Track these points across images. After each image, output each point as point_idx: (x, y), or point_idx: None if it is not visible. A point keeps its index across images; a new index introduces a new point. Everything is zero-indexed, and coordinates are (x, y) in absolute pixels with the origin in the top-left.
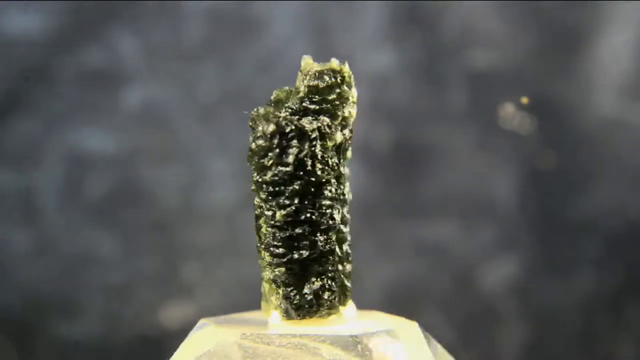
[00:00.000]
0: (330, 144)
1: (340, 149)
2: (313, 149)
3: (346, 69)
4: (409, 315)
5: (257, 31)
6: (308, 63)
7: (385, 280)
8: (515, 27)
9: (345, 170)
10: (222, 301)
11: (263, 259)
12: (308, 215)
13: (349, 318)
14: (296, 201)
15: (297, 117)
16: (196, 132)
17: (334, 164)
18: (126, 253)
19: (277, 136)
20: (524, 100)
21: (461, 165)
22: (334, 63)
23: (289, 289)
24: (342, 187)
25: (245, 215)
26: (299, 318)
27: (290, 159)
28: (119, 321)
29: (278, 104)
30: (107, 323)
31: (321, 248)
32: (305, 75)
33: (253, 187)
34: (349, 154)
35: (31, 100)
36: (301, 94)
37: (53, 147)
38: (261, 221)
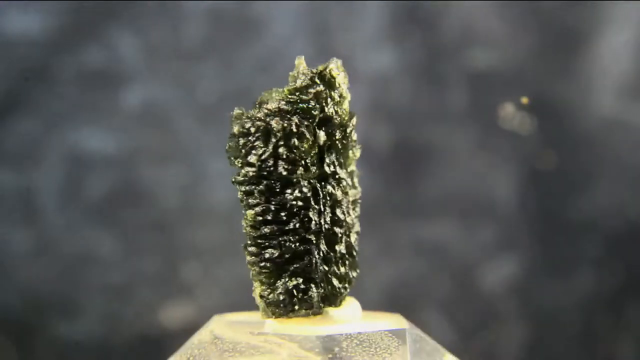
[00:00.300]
0: (305, 144)
1: (324, 149)
2: (277, 149)
3: (332, 68)
4: (409, 315)
5: (257, 31)
6: (298, 64)
7: (386, 280)
8: (515, 27)
9: (337, 170)
10: (222, 301)
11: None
12: (275, 215)
13: (340, 317)
14: (262, 201)
15: (270, 117)
16: (196, 132)
17: (309, 164)
18: (126, 253)
19: (242, 137)
20: (524, 100)
21: (461, 165)
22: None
23: (263, 288)
24: (330, 187)
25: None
26: (274, 317)
27: (253, 159)
28: (119, 321)
29: (261, 105)
30: (107, 323)
31: (294, 248)
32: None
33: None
34: (351, 153)
35: (31, 100)
36: (282, 95)
37: (53, 147)
38: (243, 221)
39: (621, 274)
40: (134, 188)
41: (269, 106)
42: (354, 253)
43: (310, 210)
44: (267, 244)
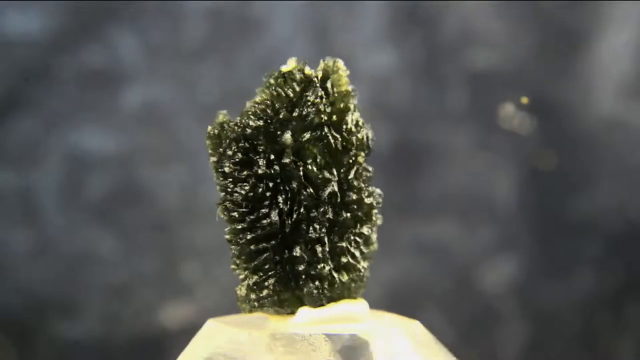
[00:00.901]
0: (266, 145)
1: (291, 150)
2: (228, 151)
3: (294, 68)
4: (409, 315)
5: (257, 31)
6: (288, 65)
7: (386, 280)
8: (515, 27)
9: (309, 169)
10: (222, 301)
11: None
12: (242, 213)
13: (349, 316)
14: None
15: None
16: (196, 132)
17: (269, 164)
18: (126, 253)
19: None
20: (524, 100)
21: (461, 165)
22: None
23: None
24: (296, 187)
25: None
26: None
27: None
28: (119, 321)
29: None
30: (107, 323)
31: (251, 247)
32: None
33: None
34: (348, 156)
35: (31, 100)
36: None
37: (53, 147)
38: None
39: (621, 274)
40: (134, 188)
41: (248, 109)
42: (347, 256)
43: (266, 208)
44: (239, 241)
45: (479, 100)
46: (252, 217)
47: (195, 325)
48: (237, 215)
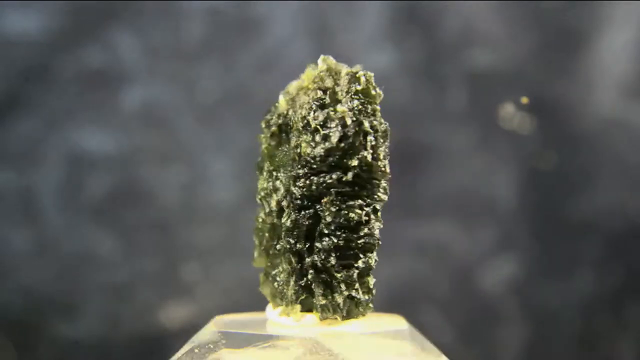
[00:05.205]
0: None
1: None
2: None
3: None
4: (409, 315)
5: (257, 31)
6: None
7: (386, 280)
8: (515, 27)
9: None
10: (222, 301)
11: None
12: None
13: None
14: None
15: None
16: (196, 132)
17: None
18: (126, 253)
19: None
20: (524, 100)
21: (461, 165)
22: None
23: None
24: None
25: (245, 215)
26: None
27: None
28: (119, 321)
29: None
30: (107, 323)
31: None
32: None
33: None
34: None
35: (31, 100)
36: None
37: (53, 147)
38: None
39: (621, 274)
40: (134, 188)
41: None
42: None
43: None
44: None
45: (479, 100)
46: None
47: (196, 326)
48: None
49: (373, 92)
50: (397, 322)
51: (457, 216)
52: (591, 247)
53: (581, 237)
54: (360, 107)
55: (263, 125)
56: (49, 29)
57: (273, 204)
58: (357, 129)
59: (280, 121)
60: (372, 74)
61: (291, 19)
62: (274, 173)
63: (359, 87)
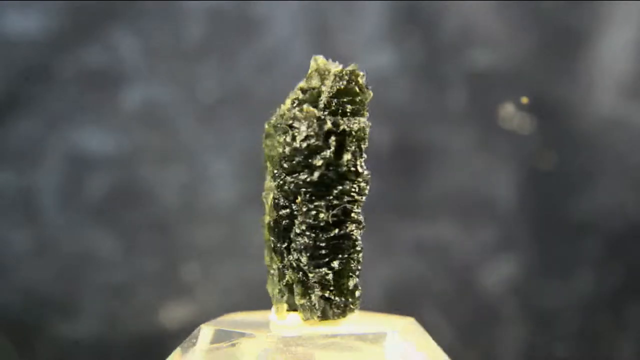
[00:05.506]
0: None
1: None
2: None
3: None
4: (408, 315)
5: (257, 31)
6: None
7: (385, 280)
8: (515, 27)
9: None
10: (222, 301)
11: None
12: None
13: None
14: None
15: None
16: (196, 132)
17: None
18: (126, 253)
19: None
20: (524, 100)
21: (461, 165)
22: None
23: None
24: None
25: (245, 215)
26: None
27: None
28: (119, 321)
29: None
30: (107, 323)
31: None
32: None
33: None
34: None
35: (31, 100)
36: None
37: (53, 147)
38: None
39: (621, 274)
40: (134, 188)
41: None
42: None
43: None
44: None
45: (479, 100)
46: None
47: (195, 326)
48: None
49: (357, 91)
50: (396, 325)
51: (457, 216)
52: (591, 247)
53: (581, 237)
54: (337, 106)
55: (265, 126)
56: (49, 29)
57: (270, 202)
58: (321, 128)
59: (278, 121)
60: (362, 73)
61: (291, 19)
62: (274, 172)
63: (341, 86)
